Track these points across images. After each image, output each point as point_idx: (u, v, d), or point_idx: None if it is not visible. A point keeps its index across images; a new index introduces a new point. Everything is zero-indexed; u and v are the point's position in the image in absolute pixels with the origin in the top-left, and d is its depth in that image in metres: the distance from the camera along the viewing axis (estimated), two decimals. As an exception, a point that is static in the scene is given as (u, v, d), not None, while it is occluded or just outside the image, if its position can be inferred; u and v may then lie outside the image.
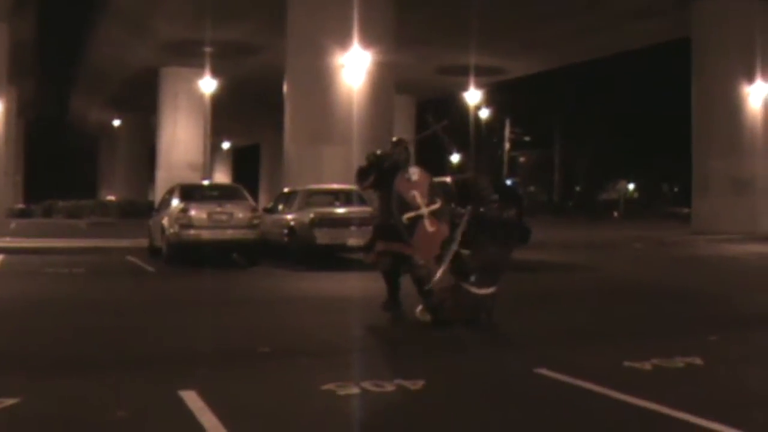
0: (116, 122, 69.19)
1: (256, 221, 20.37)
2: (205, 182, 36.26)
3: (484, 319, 10.15)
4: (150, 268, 19.45)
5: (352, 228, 19.10)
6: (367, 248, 11.25)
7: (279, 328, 10.60)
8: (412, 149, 11.65)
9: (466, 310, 10.09)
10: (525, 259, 20.93)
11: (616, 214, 74.43)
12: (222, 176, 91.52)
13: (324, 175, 24.06)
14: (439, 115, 12.04)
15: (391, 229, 10.62)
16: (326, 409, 6.38)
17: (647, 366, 7.79)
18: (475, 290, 10.06)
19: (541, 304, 13.34)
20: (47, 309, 12.38)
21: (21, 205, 65.48)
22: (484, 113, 66.31)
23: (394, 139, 11.99)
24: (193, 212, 19.97)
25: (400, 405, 6.56)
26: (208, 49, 40.49)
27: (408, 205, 10.37)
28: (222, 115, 50.34)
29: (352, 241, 19.07)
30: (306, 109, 26.53)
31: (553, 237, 29.17)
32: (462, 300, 10.06)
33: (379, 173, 11.06)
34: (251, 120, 69.36)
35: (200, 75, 43.27)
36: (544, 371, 7.54)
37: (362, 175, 11.26)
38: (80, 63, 54.48)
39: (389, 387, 6.93)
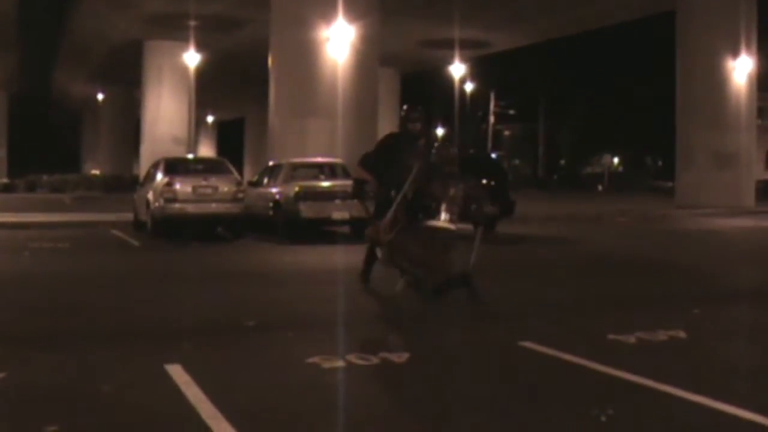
0: (100, 96, 68.87)
1: (240, 195, 20.34)
2: (190, 156, 36.20)
3: (465, 277, 9.87)
4: (135, 242, 19.42)
5: (337, 201, 19.09)
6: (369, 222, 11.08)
7: (264, 301, 10.60)
8: None
9: (439, 271, 9.90)
10: (509, 232, 21.01)
11: (600, 187, 74.61)
12: (207, 150, 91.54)
13: (308, 148, 24.04)
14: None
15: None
16: (311, 382, 6.39)
17: (631, 339, 7.82)
18: (430, 222, 9.93)
19: (525, 278, 13.38)
20: (32, 283, 12.36)
21: (5, 180, 65.18)
22: (469, 87, 66.28)
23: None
24: (177, 186, 19.93)
25: (385, 378, 6.59)
26: (192, 23, 40.34)
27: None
28: (206, 89, 50.24)
29: (337, 215, 19.07)
30: (290, 82, 26.44)
31: (538, 210, 29.23)
32: (430, 258, 9.86)
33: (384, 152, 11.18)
34: (236, 93, 69.20)
35: (184, 48, 43.17)
36: (528, 344, 7.57)
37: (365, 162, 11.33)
38: (63, 36, 54.17)
39: (374, 360, 6.95)
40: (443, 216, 9.81)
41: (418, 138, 11.30)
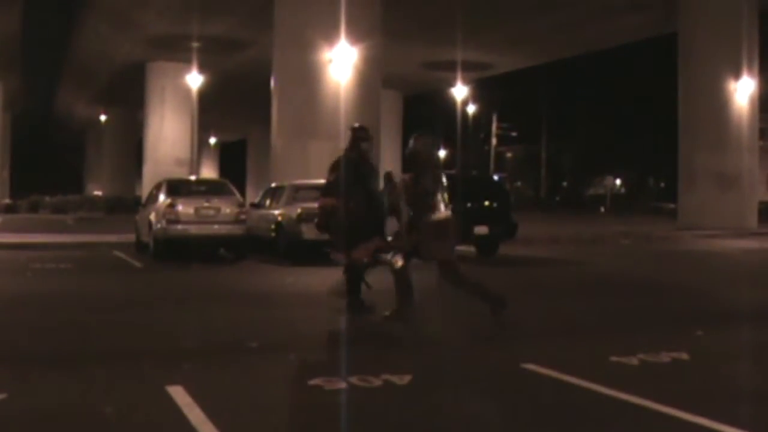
0: (103, 117, 68.97)
1: (243, 216, 20.36)
2: (192, 177, 36.24)
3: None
4: (137, 264, 19.41)
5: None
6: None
7: (266, 323, 10.59)
8: None
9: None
10: (511, 254, 21.02)
11: (602, 209, 74.61)
12: (209, 171, 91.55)
13: (311, 170, 23.98)
14: None
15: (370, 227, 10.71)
16: (313, 404, 6.38)
17: (634, 361, 7.81)
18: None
19: (528, 299, 13.34)
20: (34, 304, 12.34)
21: (7, 201, 65.20)
22: (471, 108, 66.42)
23: (365, 127, 11.88)
24: (180, 207, 19.95)
25: (388, 400, 6.56)
26: (195, 44, 40.46)
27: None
28: (209, 110, 50.31)
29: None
30: (293, 104, 26.47)
31: (540, 232, 29.22)
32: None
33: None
34: (238, 115, 69.29)
35: (187, 70, 43.28)
36: (531, 366, 7.55)
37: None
38: (66, 57, 54.33)
39: (376, 382, 6.93)
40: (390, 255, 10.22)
41: (368, 156, 11.38)
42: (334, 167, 11.36)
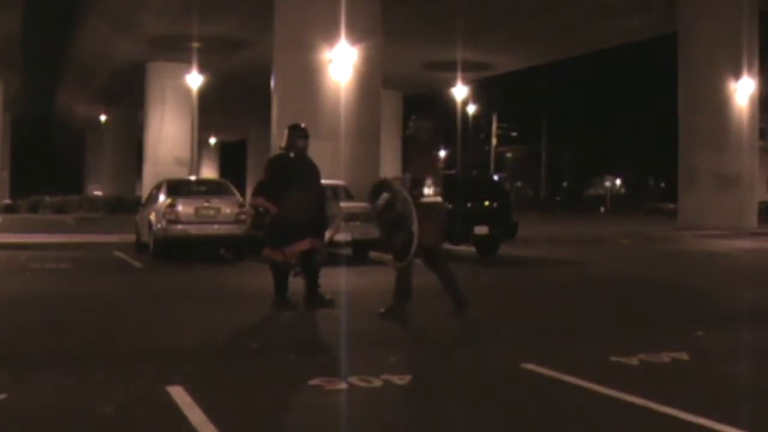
0: (103, 117, 69.01)
1: (243, 216, 20.32)
2: (192, 177, 36.23)
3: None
4: (137, 264, 19.40)
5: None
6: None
7: (266, 323, 10.60)
8: None
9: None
10: (511, 254, 21.03)
11: (602, 209, 74.62)
12: (209, 171, 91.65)
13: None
14: None
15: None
16: (313, 405, 6.38)
17: (634, 361, 7.80)
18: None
19: (527, 299, 13.35)
20: (34, 305, 12.33)
21: (7, 201, 65.24)
22: (471, 109, 66.43)
23: (303, 125, 12.00)
24: (180, 207, 19.95)
25: (388, 400, 6.57)
26: (195, 44, 40.48)
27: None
28: (209, 111, 50.34)
29: (339, 237, 19.05)
30: (293, 104, 26.45)
31: (540, 232, 29.23)
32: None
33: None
34: (238, 115, 69.34)
35: (187, 70, 43.32)
36: (531, 366, 7.55)
37: None
38: (66, 57, 54.38)
39: (376, 382, 6.92)
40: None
41: (305, 154, 11.48)
42: (267, 167, 11.57)
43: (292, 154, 11.46)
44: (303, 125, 11.83)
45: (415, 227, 9.89)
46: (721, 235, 30.93)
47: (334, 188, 21.54)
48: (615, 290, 14.72)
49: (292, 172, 11.20)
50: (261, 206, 11.24)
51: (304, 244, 11.04)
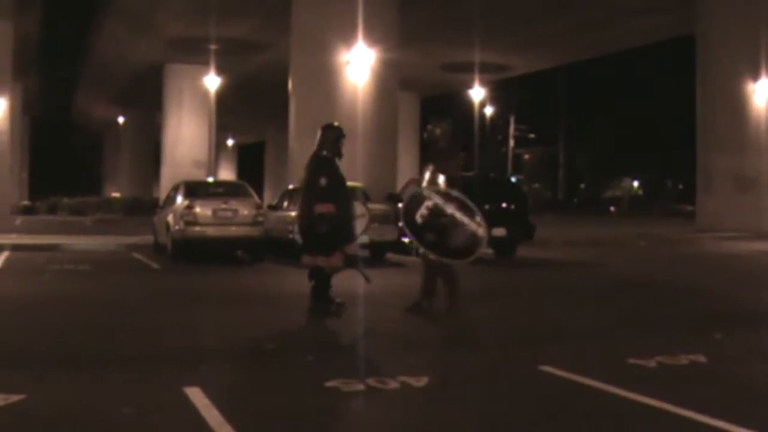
0: (121, 119, 69.16)
1: (260, 218, 20.38)
2: (210, 179, 36.30)
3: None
4: (155, 265, 19.45)
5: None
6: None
7: (283, 324, 10.61)
8: None
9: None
10: (529, 256, 20.99)
11: (612, 209, 74.41)
12: (227, 173, 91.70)
13: (328, 172, 24.03)
14: None
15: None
16: (330, 406, 6.39)
17: (652, 363, 7.78)
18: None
19: (545, 301, 13.33)
20: (52, 306, 12.39)
21: (26, 202, 65.51)
22: (489, 110, 66.36)
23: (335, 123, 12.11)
24: (197, 209, 19.99)
25: (404, 402, 6.56)
26: (212, 47, 40.51)
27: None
28: (227, 112, 50.41)
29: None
30: (310, 106, 26.46)
31: (558, 234, 29.18)
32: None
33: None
34: (256, 117, 69.35)
35: (205, 72, 43.36)
36: (548, 368, 7.53)
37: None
38: (84, 60, 54.54)
39: (393, 384, 6.92)
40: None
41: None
42: (319, 169, 11.28)
43: (336, 157, 11.43)
44: (338, 125, 11.80)
45: (478, 222, 10.14)
46: (739, 237, 30.77)
47: (352, 190, 21.58)
48: (633, 292, 14.67)
49: (341, 174, 11.19)
50: (328, 212, 10.74)
51: (353, 247, 11.03)
